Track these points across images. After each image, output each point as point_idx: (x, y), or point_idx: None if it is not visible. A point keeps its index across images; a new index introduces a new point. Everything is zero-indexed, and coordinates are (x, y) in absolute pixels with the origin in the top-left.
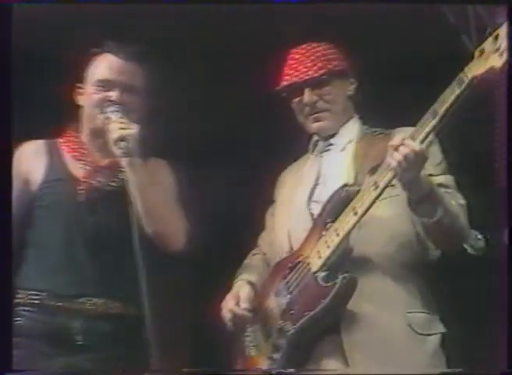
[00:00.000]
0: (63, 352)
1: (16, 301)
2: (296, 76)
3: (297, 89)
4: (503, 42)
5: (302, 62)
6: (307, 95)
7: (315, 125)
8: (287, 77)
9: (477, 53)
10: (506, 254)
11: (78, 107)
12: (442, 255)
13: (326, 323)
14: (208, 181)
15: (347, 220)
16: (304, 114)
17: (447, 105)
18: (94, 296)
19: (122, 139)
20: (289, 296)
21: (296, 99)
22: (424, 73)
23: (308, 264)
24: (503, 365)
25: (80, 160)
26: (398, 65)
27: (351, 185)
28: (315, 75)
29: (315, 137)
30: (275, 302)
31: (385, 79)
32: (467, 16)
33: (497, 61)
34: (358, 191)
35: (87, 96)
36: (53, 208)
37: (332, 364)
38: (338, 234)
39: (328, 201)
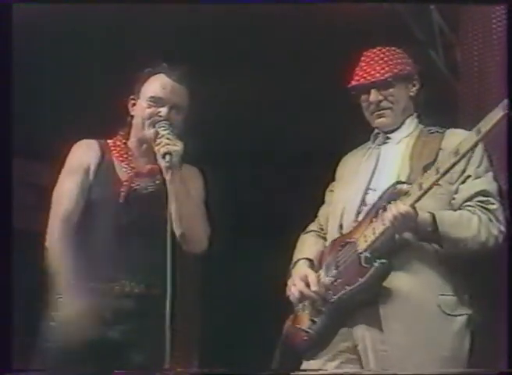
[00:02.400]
0: (95, 325)
1: None
2: (364, 77)
3: (365, 89)
4: None
5: (371, 65)
6: (373, 95)
7: (378, 121)
8: (357, 77)
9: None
10: (506, 253)
11: (130, 116)
12: None
13: (362, 298)
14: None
15: None
16: (369, 110)
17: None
18: (123, 279)
19: (168, 153)
20: (336, 270)
21: (363, 97)
22: None
23: (356, 245)
24: (503, 364)
25: (125, 164)
26: None
27: (403, 182)
28: (381, 78)
29: (376, 131)
30: (324, 274)
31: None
32: (434, 33)
33: None
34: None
35: (140, 108)
36: (96, 204)
37: (366, 333)
38: (384, 224)
39: (381, 196)
